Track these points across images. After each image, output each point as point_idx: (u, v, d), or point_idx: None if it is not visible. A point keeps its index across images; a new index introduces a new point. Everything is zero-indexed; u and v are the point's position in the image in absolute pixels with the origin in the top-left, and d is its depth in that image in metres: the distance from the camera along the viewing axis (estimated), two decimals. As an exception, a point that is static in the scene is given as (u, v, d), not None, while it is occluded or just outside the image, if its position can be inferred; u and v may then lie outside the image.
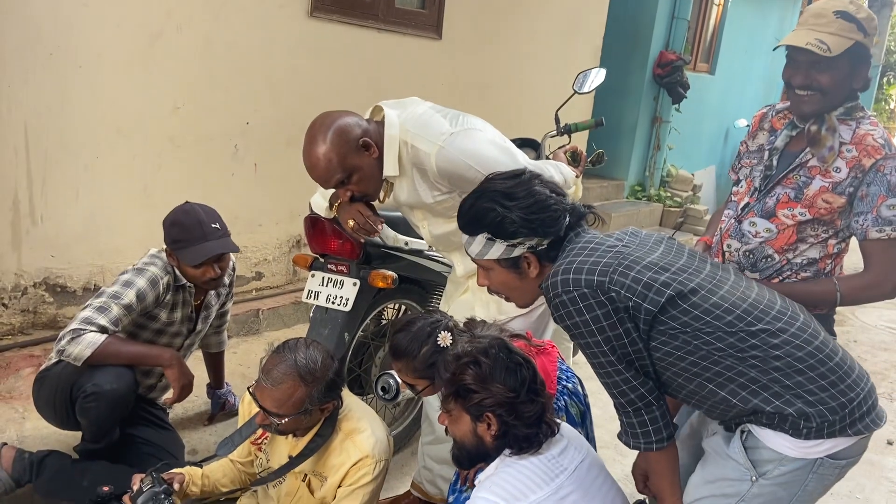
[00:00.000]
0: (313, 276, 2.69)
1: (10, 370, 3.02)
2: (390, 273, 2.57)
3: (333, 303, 2.60)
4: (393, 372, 2.62)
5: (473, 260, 1.77)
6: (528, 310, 2.13)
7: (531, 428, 1.61)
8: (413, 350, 1.92)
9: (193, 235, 2.34)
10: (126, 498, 1.90)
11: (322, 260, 2.72)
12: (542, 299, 1.81)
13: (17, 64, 3.01)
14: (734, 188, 2.05)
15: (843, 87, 1.80)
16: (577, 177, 2.45)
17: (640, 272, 1.53)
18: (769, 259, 1.92)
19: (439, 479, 2.45)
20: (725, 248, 1.99)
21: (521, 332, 2.04)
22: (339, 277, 2.63)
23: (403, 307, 3.13)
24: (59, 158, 3.20)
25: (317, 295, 2.66)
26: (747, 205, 1.96)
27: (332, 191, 2.39)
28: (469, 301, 2.38)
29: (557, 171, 2.24)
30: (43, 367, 2.39)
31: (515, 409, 1.59)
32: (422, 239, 2.79)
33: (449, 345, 1.85)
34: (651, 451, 1.64)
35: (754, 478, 1.56)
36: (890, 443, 3.57)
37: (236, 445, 2.05)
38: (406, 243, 2.69)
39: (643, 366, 1.58)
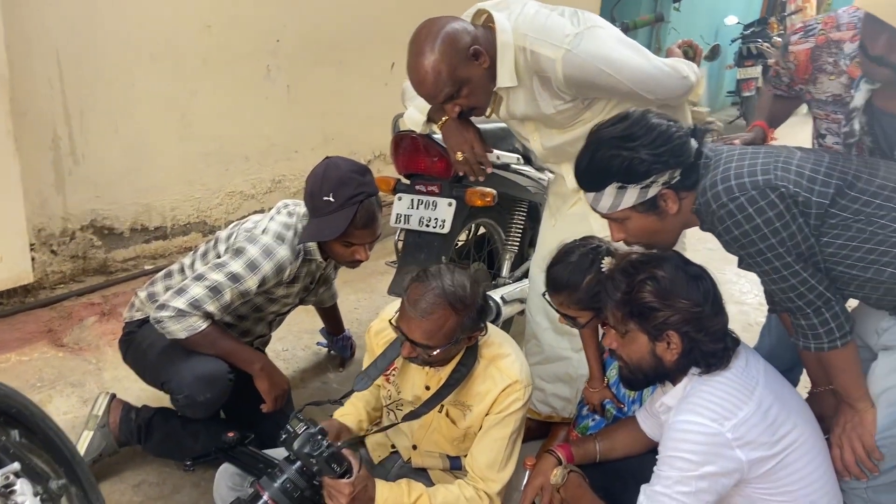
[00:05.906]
0: (400, 198, 2.54)
1: (73, 321, 2.84)
2: (490, 190, 2.42)
3: (428, 225, 2.47)
4: (489, 293, 2.52)
5: (604, 216, 1.64)
6: None
7: (718, 342, 1.53)
8: (575, 281, 1.80)
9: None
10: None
11: (407, 181, 2.56)
12: None
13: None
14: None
15: None
16: None
17: (800, 165, 1.50)
18: None
19: (553, 398, 2.39)
20: None
21: None
22: (431, 198, 2.48)
23: (480, 227, 3.00)
24: (95, 89, 2.93)
25: (407, 218, 2.51)
26: None
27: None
28: (581, 213, 2.24)
29: (691, 69, 2.07)
30: (125, 321, 2.21)
31: (702, 324, 1.50)
32: (510, 151, 2.64)
33: None
34: (836, 348, 1.59)
35: None
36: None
37: (373, 379, 1.93)
38: (497, 157, 2.52)
39: (815, 262, 1.53)
